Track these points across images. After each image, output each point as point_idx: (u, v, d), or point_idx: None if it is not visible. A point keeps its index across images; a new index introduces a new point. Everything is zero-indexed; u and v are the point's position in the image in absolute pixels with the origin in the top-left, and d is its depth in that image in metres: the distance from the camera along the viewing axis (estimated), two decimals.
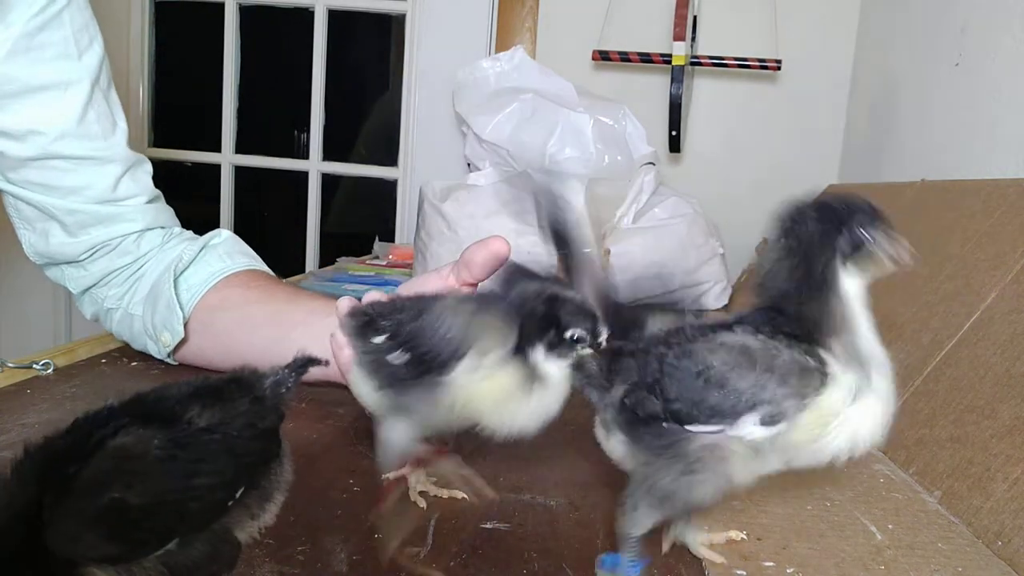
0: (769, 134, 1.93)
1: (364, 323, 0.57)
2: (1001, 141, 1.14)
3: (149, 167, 0.93)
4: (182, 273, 0.87)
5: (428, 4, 2.05)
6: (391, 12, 2.18)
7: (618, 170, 1.64)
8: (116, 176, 0.87)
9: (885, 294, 0.53)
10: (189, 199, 2.35)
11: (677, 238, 1.49)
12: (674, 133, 1.74)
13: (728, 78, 1.90)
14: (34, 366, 0.84)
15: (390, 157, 2.18)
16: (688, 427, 0.49)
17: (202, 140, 2.28)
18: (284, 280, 0.98)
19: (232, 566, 0.38)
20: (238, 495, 0.38)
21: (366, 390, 0.56)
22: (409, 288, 0.66)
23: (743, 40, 1.85)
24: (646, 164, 1.56)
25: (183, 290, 0.86)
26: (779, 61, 1.76)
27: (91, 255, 0.88)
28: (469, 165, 1.74)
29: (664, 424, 0.49)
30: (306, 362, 0.46)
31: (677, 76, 1.71)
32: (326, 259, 2.16)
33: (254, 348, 0.80)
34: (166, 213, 0.94)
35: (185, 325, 0.85)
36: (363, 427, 0.75)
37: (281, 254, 2.40)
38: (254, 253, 0.94)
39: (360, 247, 1.96)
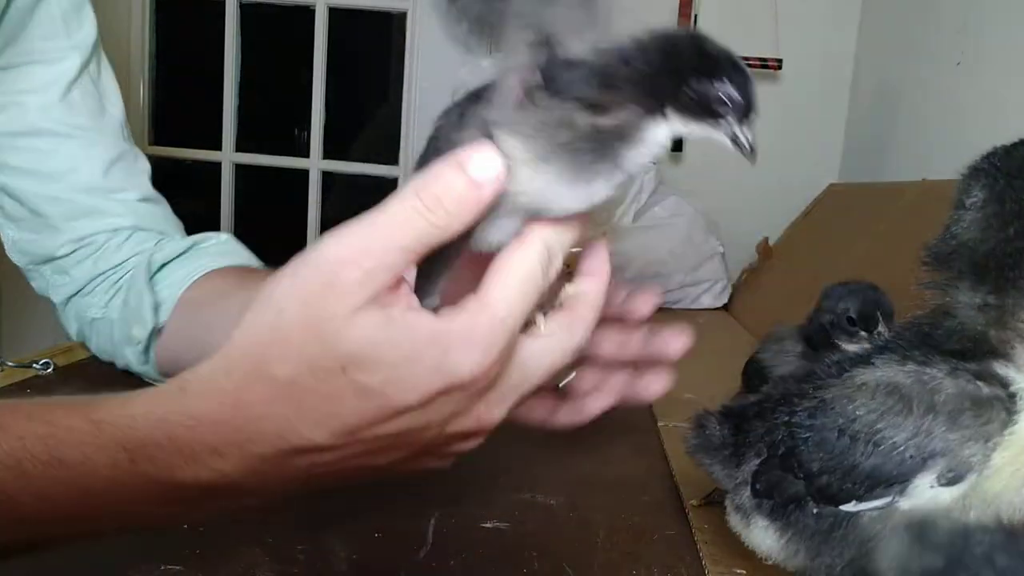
0: (769, 134, 1.91)
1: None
2: (1001, 141, 1.14)
3: (146, 165, 0.87)
4: (160, 269, 0.78)
5: (429, 2, 2.04)
6: (392, 10, 2.17)
7: None
8: (105, 161, 0.81)
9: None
10: (189, 197, 2.36)
11: (677, 237, 1.49)
12: None
13: None
14: (34, 366, 0.83)
15: (391, 155, 2.18)
16: (844, 507, 0.36)
17: (202, 138, 2.27)
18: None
19: None
20: None
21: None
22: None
23: (743, 40, 1.84)
24: None
25: (164, 286, 0.78)
26: (779, 61, 1.76)
27: (73, 252, 0.81)
28: None
29: (814, 509, 0.37)
30: None
31: None
32: None
33: None
34: (164, 219, 0.86)
35: (159, 330, 0.77)
36: None
37: (281, 252, 2.40)
38: (251, 255, 0.86)
39: None
